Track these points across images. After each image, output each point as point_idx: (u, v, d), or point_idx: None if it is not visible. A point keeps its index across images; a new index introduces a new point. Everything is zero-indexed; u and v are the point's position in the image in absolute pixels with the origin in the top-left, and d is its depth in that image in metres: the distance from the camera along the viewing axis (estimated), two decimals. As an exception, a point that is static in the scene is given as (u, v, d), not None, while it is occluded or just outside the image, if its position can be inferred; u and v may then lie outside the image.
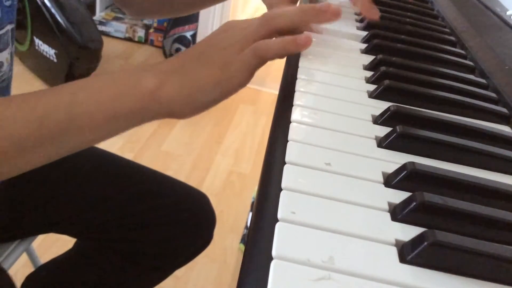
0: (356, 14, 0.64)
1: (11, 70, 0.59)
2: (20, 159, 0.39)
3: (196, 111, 0.41)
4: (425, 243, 0.25)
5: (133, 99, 0.39)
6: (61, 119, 0.38)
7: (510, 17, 0.58)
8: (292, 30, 0.42)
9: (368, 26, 0.58)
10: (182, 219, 0.78)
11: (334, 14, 0.43)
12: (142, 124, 0.41)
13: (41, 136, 0.38)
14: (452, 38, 0.60)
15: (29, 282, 0.81)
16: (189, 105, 0.40)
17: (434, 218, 0.28)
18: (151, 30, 2.51)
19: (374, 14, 0.57)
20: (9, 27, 0.55)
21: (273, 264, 0.24)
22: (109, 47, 2.36)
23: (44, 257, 0.88)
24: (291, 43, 0.40)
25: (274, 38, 0.41)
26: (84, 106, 0.39)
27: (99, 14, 2.60)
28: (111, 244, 0.78)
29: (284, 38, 0.41)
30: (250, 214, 1.53)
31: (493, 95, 0.47)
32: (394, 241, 0.27)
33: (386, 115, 0.39)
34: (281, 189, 0.29)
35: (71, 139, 0.40)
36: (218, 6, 2.28)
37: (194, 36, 2.36)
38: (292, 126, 0.35)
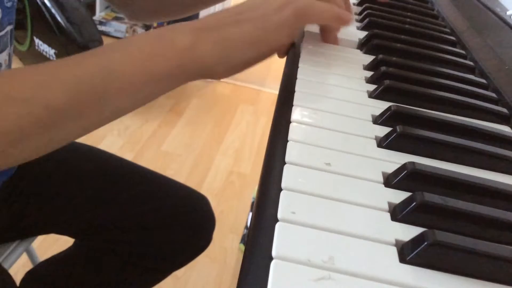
0: (356, 14, 0.64)
1: None
2: (58, 129, 0.35)
3: (232, 71, 0.41)
4: (425, 243, 0.25)
5: (168, 58, 0.38)
6: (98, 83, 0.36)
7: (510, 17, 0.58)
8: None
9: (368, 26, 0.58)
10: (182, 221, 0.78)
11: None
12: (181, 84, 0.40)
13: (79, 103, 0.35)
14: (452, 38, 0.60)
15: (29, 278, 0.81)
16: (224, 64, 0.40)
17: (434, 218, 0.28)
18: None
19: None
20: (8, 28, 0.55)
21: (273, 264, 0.24)
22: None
23: (44, 257, 0.88)
24: (334, 15, 0.42)
25: (318, 3, 0.42)
26: (120, 69, 0.37)
27: (99, 14, 2.60)
28: (111, 245, 0.78)
29: (327, 6, 0.41)
30: (250, 214, 1.53)
31: (493, 95, 0.47)
32: (394, 241, 0.27)
33: (386, 115, 0.39)
34: (281, 189, 0.29)
35: (110, 104, 0.37)
36: (218, 6, 2.28)
37: (194, 36, 2.35)
38: (292, 126, 0.35)
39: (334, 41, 0.52)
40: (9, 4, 0.53)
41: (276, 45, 0.40)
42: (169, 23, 2.39)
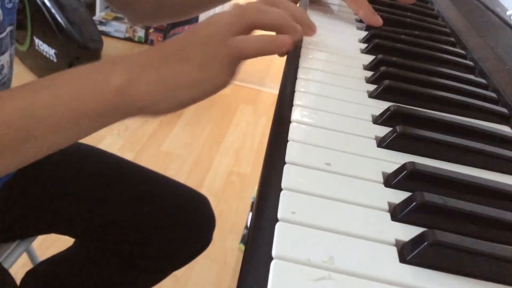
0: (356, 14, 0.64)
1: (10, 72, 0.59)
2: None
3: (173, 109, 0.38)
4: (425, 243, 0.25)
5: (100, 97, 0.36)
6: (23, 122, 0.35)
7: (510, 17, 0.58)
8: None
9: (368, 26, 0.58)
10: (182, 221, 0.78)
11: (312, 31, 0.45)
12: (116, 122, 0.39)
13: (2, 143, 0.35)
14: (452, 38, 0.60)
15: (29, 278, 0.81)
16: (164, 103, 0.38)
17: (434, 218, 0.28)
18: (151, 30, 2.52)
19: (377, 21, 0.56)
20: (9, 29, 0.55)
21: (273, 264, 0.24)
22: (109, 47, 2.36)
23: (44, 257, 0.88)
24: (269, 44, 0.38)
25: (252, 35, 0.39)
26: (47, 107, 0.36)
27: (99, 14, 2.60)
28: (110, 245, 0.78)
29: (262, 37, 0.38)
30: (250, 214, 1.53)
31: (493, 95, 0.47)
32: (394, 241, 0.27)
33: (386, 115, 0.39)
34: (281, 189, 0.29)
35: (36, 142, 0.37)
36: (218, 8, 2.28)
37: (194, 36, 2.35)
38: (292, 126, 0.35)
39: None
40: (9, 5, 0.53)
41: (219, 85, 0.38)
42: (168, 25, 2.40)
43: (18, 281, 0.78)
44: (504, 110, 0.44)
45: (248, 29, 0.39)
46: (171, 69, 0.37)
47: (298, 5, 0.60)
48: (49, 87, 0.37)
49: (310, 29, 0.47)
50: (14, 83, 0.64)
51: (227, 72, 0.38)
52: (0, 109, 0.36)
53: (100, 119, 0.38)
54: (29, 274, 0.82)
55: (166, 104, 0.38)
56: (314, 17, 0.59)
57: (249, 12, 0.39)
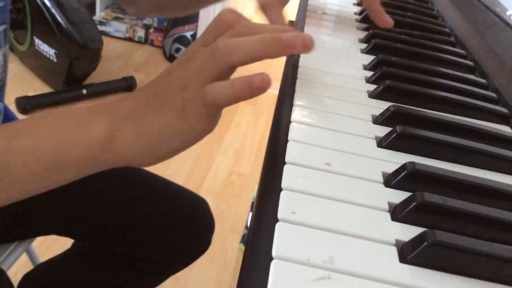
0: (355, 13, 0.64)
1: (5, 72, 0.59)
2: None
3: (159, 160, 0.37)
4: (425, 243, 0.25)
5: (79, 149, 0.35)
6: None
7: (510, 17, 0.58)
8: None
9: (368, 26, 0.58)
10: (181, 224, 0.78)
11: (304, 47, 0.34)
12: (96, 171, 0.37)
13: None
14: (452, 38, 0.60)
15: (27, 280, 0.81)
16: (149, 155, 0.36)
17: (434, 218, 0.28)
18: (151, 30, 2.52)
19: (388, 22, 0.54)
20: (2, 27, 0.54)
21: (273, 264, 0.24)
22: (109, 47, 2.36)
23: (44, 257, 0.88)
24: (244, 89, 0.33)
25: (225, 81, 0.34)
26: (20, 155, 0.34)
27: (99, 14, 2.60)
28: (109, 247, 0.78)
29: (234, 82, 0.33)
30: (250, 214, 1.53)
31: (493, 95, 0.47)
32: (394, 241, 0.27)
33: (386, 115, 0.39)
34: (281, 189, 0.29)
35: (6, 189, 0.36)
36: (218, 6, 2.28)
37: (194, 36, 2.36)
38: (292, 126, 0.35)
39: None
40: (1, 4, 0.52)
41: (199, 135, 0.36)
42: (170, 20, 2.39)
43: (18, 281, 0.78)
44: (504, 110, 0.44)
45: (227, 72, 0.35)
46: (151, 120, 0.35)
47: (294, 25, 0.57)
48: (22, 133, 0.35)
49: (304, 46, 0.35)
50: (14, 83, 0.64)
51: (206, 121, 0.35)
52: None
53: (77, 171, 0.36)
54: (27, 277, 0.82)
55: (150, 157, 0.36)
56: (314, 20, 0.59)
57: (221, 55, 0.34)
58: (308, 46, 0.34)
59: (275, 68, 2.28)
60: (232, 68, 0.35)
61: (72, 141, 0.35)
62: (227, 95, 0.33)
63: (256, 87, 0.33)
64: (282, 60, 0.48)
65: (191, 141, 0.36)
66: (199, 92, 0.34)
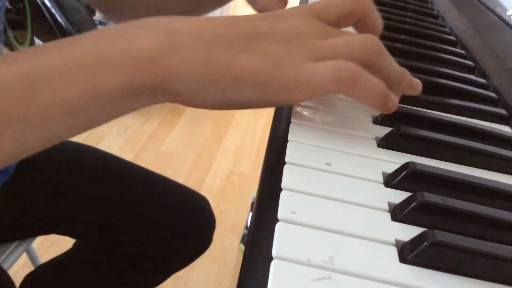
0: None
1: None
2: None
3: (214, 106, 0.29)
4: (425, 243, 0.25)
5: (121, 69, 0.26)
6: (15, 100, 0.25)
7: (510, 17, 0.58)
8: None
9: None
10: (182, 222, 0.78)
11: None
12: (138, 109, 0.28)
13: None
14: (452, 38, 0.60)
15: (28, 281, 0.81)
16: (208, 94, 0.27)
17: (434, 218, 0.28)
18: (151, 30, 2.51)
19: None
20: None
21: (273, 264, 0.24)
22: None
23: (44, 257, 0.88)
24: (381, 101, 0.30)
25: (367, 73, 0.30)
26: (48, 81, 0.25)
27: (99, 14, 2.59)
28: (110, 246, 0.78)
29: (378, 87, 0.30)
30: (250, 214, 1.53)
31: (493, 95, 0.47)
32: (394, 241, 0.27)
33: (386, 115, 0.39)
34: (281, 189, 0.29)
35: (32, 129, 0.26)
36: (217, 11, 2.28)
37: (194, 36, 2.35)
38: (292, 126, 0.35)
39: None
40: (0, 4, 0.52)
41: (286, 102, 0.30)
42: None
43: (19, 281, 0.78)
44: (504, 110, 0.44)
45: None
46: (231, 55, 0.27)
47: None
48: (57, 52, 0.27)
49: (413, 89, 0.35)
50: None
51: (308, 93, 0.29)
52: None
53: (121, 103, 0.27)
54: (28, 277, 0.82)
55: (207, 97, 0.28)
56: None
57: (377, 50, 0.31)
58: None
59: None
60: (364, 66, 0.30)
61: (112, 60, 0.26)
62: (364, 93, 0.30)
63: (387, 108, 0.31)
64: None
65: (268, 103, 0.29)
66: (341, 69, 0.28)
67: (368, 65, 0.31)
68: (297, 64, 0.28)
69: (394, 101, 0.31)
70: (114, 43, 0.27)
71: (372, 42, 0.31)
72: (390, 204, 0.30)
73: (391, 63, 0.33)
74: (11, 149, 0.26)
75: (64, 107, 0.26)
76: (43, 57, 0.26)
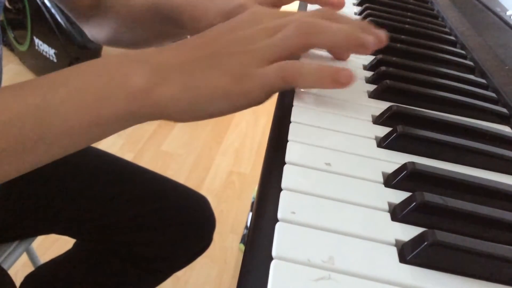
0: (355, 14, 0.64)
1: (0, 70, 0.58)
2: None
3: (197, 119, 0.35)
4: (425, 243, 0.25)
5: (119, 102, 0.32)
6: (30, 126, 0.31)
7: (510, 17, 0.58)
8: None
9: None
10: (182, 221, 0.78)
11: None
12: (130, 126, 0.35)
13: (4, 147, 0.31)
14: (452, 38, 0.60)
15: (28, 282, 0.81)
16: (190, 112, 0.34)
17: (434, 218, 0.28)
18: (151, 30, 2.51)
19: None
20: None
21: (273, 264, 0.24)
22: (108, 47, 2.35)
23: (44, 257, 0.88)
24: (328, 80, 0.33)
25: (309, 63, 0.34)
26: (58, 111, 0.31)
27: (99, 14, 2.59)
28: (111, 246, 0.78)
29: (323, 69, 0.33)
30: (250, 214, 1.53)
31: (493, 95, 0.47)
32: (394, 241, 0.27)
33: (386, 115, 0.39)
34: (281, 189, 0.29)
35: (43, 151, 0.32)
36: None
37: (194, 36, 2.35)
38: (292, 126, 0.35)
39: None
40: None
41: (250, 104, 0.34)
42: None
43: (19, 281, 0.78)
44: (504, 110, 0.44)
45: (304, 49, 0.35)
46: (202, 77, 0.33)
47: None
48: (63, 86, 0.32)
49: (364, 47, 0.37)
50: (14, 83, 0.64)
51: (264, 94, 0.34)
52: (11, 105, 0.31)
53: (118, 124, 0.33)
54: (28, 278, 0.82)
55: (191, 114, 0.34)
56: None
57: (309, 31, 0.34)
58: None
59: (275, 68, 2.28)
60: (306, 49, 0.35)
61: (111, 92, 0.32)
62: (310, 79, 0.34)
63: (341, 82, 0.34)
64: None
65: (238, 108, 0.34)
66: (276, 68, 0.33)
67: (311, 46, 0.35)
68: (251, 73, 0.33)
69: (345, 73, 0.34)
70: (111, 79, 0.32)
71: (306, 27, 0.35)
72: (390, 204, 0.30)
73: (330, 36, 0.35)
74: (25, 167, 0.33)
75: (71, 133, 0.32)
76: (50, 92, 0.32)
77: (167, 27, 0.53)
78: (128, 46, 0.63)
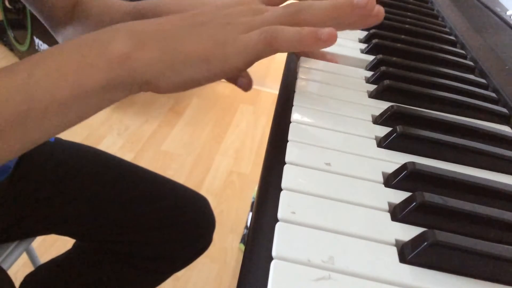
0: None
1: None
2: None
3: (176, 87, 0.34)
4: (425, 243, 0.25)
5: (100, 69, 0.32)
6: (18, 103, 0.30)
7: (510, 17, 0.58)
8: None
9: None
10: (182, 222, 0.78)
11: (377, 17, 0.37)
12: (119, 100, 0.35)
13: None
14: (452, 38, 0.60)
15: (28, 282, 0.81)
16: (168, 77, 0.34)
17: (434, 218, 0.28)
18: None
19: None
20: None
21: (273, 264, 0.24)
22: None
23: (44, 257, 0.88)
24: (311, 37, 0.34)
25: (291, 27, 0.35)
26: (43, 84, 0.31)
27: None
28: (111, 246, 0.78)
29: (302, 30, 0.34)
30: (250, 214, 1.53)
31: (493, 95, 0.47)
32: (394, 241, 0.27)
33: (386, 115, 0.39)
34: (281, 189, 0.29)
35: (35, 126, 0.32)
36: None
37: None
38: (292, 126, 0.35)
39: (328, 59, 0.47)
40: None
41: (230, 70, 0.34)
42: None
43: (19, 281, 0.78)
44: (504, 110, 0.44)
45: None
46: (182, 41, 0.34)
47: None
48: (40, 63, 0.32)
49: (372, 15, 0.38)
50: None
51: (245, 59, 0.34)
52: (1, 82, 0.31)
53: (103, 95, 0.33)
54: (28, 278, 0.82)
55: (170, 79, 0.34)
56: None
57: (297, 10, 0.36)
58: (380, 16, 0.38)
59: (275, 68, 2.29)
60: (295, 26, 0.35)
61: (91, 61, 0.32)
62: (292, 40, 0.34)
63: (323, 40, 0.34)
64: (282, 60, 0.48)
65: (217, 74, 0.34)
66: (259, 30, 0.34)
67: (295, 24, 0.35)
68: (233, 38, 0.34)
69: (326, 31, 0.34)
70: (91, 48, 0.33)
71: (287, 9, 0.36)
72: (390, 204, 0.30)
73: (314, 12, 0.37)
74: (15, 144, 0.32)
75: (57, 106, 0.32)
76: (36, 67, 0.32)
77: None
78: None
